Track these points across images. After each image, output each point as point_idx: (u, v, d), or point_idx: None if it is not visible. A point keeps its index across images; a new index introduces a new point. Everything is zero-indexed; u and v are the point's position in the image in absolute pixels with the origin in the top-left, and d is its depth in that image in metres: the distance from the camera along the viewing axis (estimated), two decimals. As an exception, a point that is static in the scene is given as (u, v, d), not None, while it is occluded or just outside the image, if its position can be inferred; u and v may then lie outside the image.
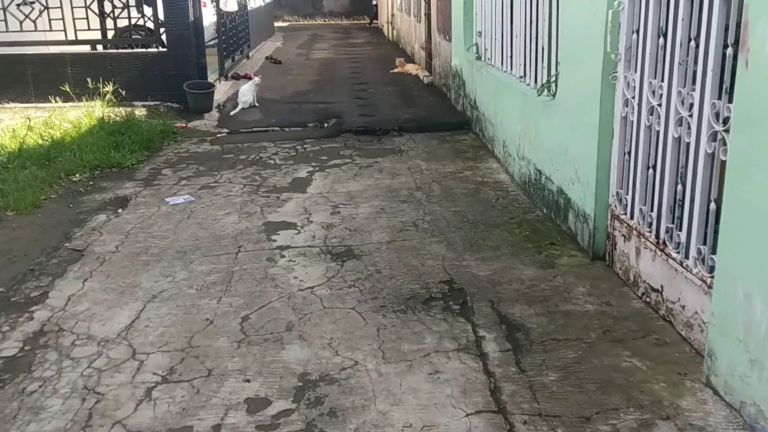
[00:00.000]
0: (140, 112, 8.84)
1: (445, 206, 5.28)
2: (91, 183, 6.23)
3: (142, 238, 4.85)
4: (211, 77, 10.61)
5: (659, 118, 3.37)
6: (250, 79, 11.17)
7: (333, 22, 27.03)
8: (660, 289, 3.39)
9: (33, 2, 8.98)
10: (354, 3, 27.52)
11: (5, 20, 8.94)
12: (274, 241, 4.73)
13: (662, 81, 3.34)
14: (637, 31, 3.59)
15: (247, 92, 9.25)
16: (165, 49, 9.17)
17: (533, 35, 5.45)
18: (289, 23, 26.56)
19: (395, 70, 12.44)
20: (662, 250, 3.36)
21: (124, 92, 8.74)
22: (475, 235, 4.67)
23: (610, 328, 3.37)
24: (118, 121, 7.93)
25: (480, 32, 7.42)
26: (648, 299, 3.53)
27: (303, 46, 17.72)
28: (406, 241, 4.63)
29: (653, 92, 3.42)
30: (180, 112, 9.10)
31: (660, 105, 3.35)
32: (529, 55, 5.55)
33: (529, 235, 4.65)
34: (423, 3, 11.62)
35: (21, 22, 8.89)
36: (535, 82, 5.37)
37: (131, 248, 4.66)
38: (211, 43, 11.28)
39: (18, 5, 8.88)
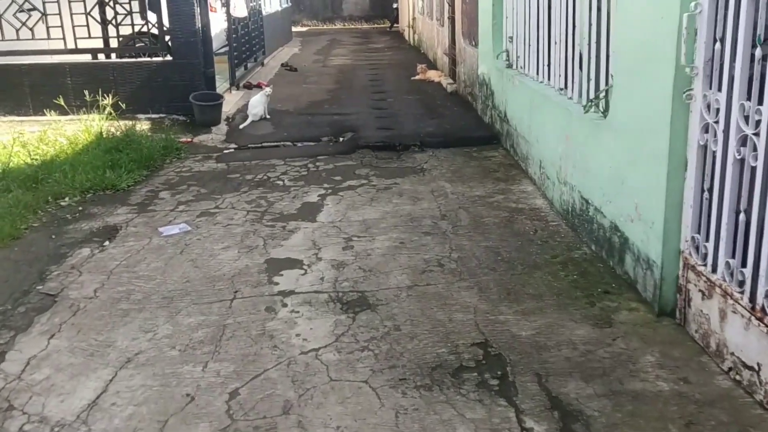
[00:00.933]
0: (143, 125, 8.25)
1: (475, 240, 4.58)
2: (80, 208, 5.62)
3: (126, 279, 4.21)
4: (221, 87, 10.01)
5: (755, 151, 2.64)
6: (262, 88, 10.58)
7: (353, 26, 26.43)
8: (756, 368, 2.66)
9: (31, 9, 8.43)
10: (374, 6, 26.90)
11: (1, 28, 8.40)
12: (276, 284, 4.05)
13: (759, 104, 2.61)
14: (721, 40, 2.86)
15: (257, 104, 8.62)
16: (170, 58, 8.57)
17: (576, 41, 4.73)
18: (308, 28, 26.01)
19: (417, 77, 11.75)
20: (760, 319, 2.62)
21: (126, 104, 8.16)
22: (512, 279, 3.95)
23: (694, 419, 2.64)
24: (117, 137, 7.33)
25: (511, 38, 6.70)
26: (738, 377, 2.79)
27: (321, 51, 17.11)
28: (430, 285, 3.93)
29: (746, 117, 2.69)
30: (186, 125, 8.50)
31: (757, 134, 2.62)
32: (572, 65, 4.82)
33: (577, 279, 3.92)
34: (447, 6, 10.92)
35: (17, 30, 8.34)
36: (580, 96, 4.65)
37: (111, 293, 4.02)
38: (222, 50, 10.69)
39: (14, 13, 8.33)
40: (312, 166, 6.72)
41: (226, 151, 7.51)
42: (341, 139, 7.80)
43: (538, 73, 5.77)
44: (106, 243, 4.83)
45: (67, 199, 5.83)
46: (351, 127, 8.16)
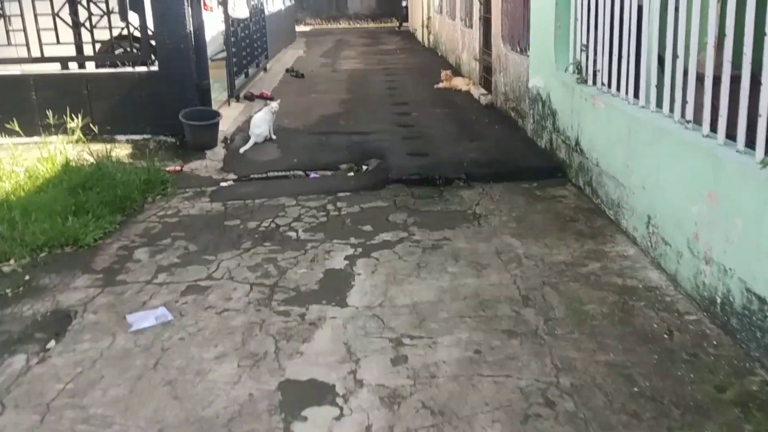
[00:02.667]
0: (122, 150, 6.82)
1: (587, 349, 3.13)
2: (26, 278, 4.19)
3: (68, 424, 2.77)
4: (218, 99, 8.57)
5: None
6: (266, 99, 9.14)
7: (359, 26, 24.99)
8: None
9: (-12, 10, 6.99)
10: (381, 5, 25.46)
11: (-50, 33, 6.96)
12: (298, 438, 2.62)
13: None
14: None
15: (260, 122, 7.17)
16: (156, 68, 7.13)
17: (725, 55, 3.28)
18: (312, 27, 24.58)
19: (440, 85, 10.32)
20: None
21: (102, 124, 6.73)
22: (671, 438, 2.51)
23: None
24: (87, 170, 5.88)
25: (585, 46, 5.26)
26: None
27: (328, 54, 15.65)
28: (543, 449, 2.49)
29: None
30: (175, 148, 7.05)
31: None
32: (719, 88, 3.37)
33: (778, 441, 2.48)
34: (478, 4, 9.46)
35: (-30, 36, 6.90)
36: (735, 137, 3.20)
37: (42, 455, 2.58)
38: (220, 56, 9.24)
39: (-34, 14, 6.89)
40: (332, 208, 5.28)
41: (223, 184, 6.07)
42: (364, 167, 6.36)
43: (637, 96, 4.33)
44: (51, 344, 3.39)
45: (12, 262, 4.40)
46: (374, 151, 6.72)
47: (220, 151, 7.02)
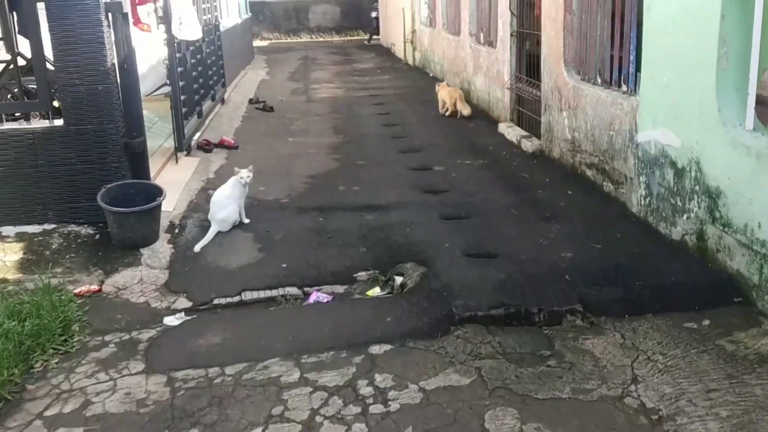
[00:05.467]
0: (8, 253, 4.29)
1: None
2: None
3: None
4: (160, 156, 6.06)
5: None
6: (229, 148, 6.66)
7: (322, 39, 22.57)
8: None
9: None
10: (347, 16, 23.11)
11: None
12: None
13: None
14: None
15: (225, 202, 4.70)
16: (60, 122, 4.61)
17: None
18: (270, 42, 22.05)
19: (446, 113, 8.09)
20: None
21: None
22: None
23: None
24: None
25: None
26: None
27: (296, 75, 13.17)
28: None
29: None
30: (92, 247, 4.53)
31: None
32: None
33: None
34: (508, 15, 7.15)
35: None
36: None
37: None
38: (162, 91, 6.75)
39: None
40: (368, 394, 2.92)
41: (169, 322, 3.64)
42: (398, 280, 3.96)
43: None
44: None
45: None
46: (407, 246, 4.33)
47: (163, 249, 4.52)
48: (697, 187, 3.77)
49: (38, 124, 4.68)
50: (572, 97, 5.48)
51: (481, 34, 8.61)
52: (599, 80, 5.14)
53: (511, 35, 7.12)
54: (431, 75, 12.06)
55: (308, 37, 23.01)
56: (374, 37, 20.20)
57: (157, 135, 7.03)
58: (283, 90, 11.15)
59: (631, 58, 4.59)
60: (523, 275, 3.76)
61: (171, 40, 6.03)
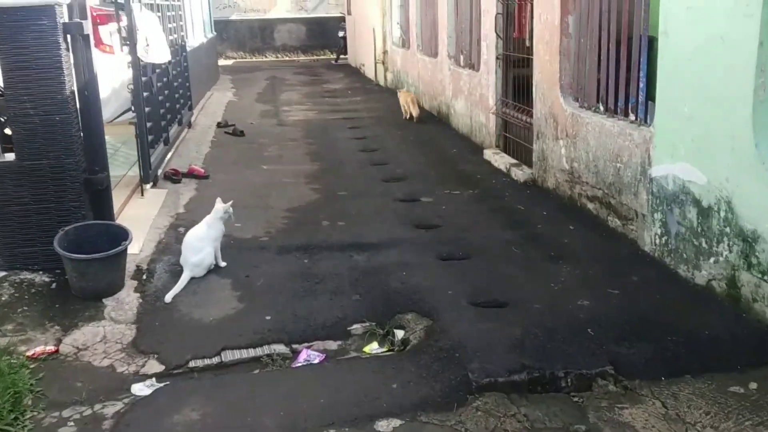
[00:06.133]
0: (-55, 313, 3.75)
1: None
2: None
3: None
4: (124, 186, 5.56)
5: None
6: (199, 177, 6.18)
7: (288, 59, 22.14)
8: None
9: None
10: (312, 36, 22.71)
11: None
12: None
13: None
14: None
15: (200, 243, 4.22)
16: (10, 157, 4.08)
17: None
18: (235, 60, 21.55)
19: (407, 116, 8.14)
20: None
21: None
22: None
23: None
24: None
25: None
26: None
27: (265, 97, 12.70)
28: None
29: None
30: (48, 297, 4.00)
31: None
32: None
33: None
34: (493, 38, 6.84)
35: None
36: None
37: None
38: (125, 117, 6.25)
39: None
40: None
41: (138, 391, 3.15)
42: (398, 334, 3.52)
43: None
44: None
45: None
46: (405, 293, 3.91)
47: (129, 299, 4.00)
48: (727, 229, 3.44)
49: (-15, 158, 4.14)
50: (570, 125, 5.15)
51: (461, 56, 8.29)
52: (602, 108, 4.82)
53: (497, 58, 6.80)
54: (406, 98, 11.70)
55: (274, 56, 22.56)
56: (342, 56, 19.86)
57: (121, 164, 6.51)
58: (252, 112, 10.67)
59: (641, 85, 4.28)
60: (540, 329, 3.36)
61: (136, 63, 5.53)
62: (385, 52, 13.25)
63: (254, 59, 22.14)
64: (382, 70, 13.44)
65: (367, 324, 3.65)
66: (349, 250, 4.62)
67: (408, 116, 9.35)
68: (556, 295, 3.79)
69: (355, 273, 4.23)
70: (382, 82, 13.64)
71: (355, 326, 3.67)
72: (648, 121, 4.22)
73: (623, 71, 4.52)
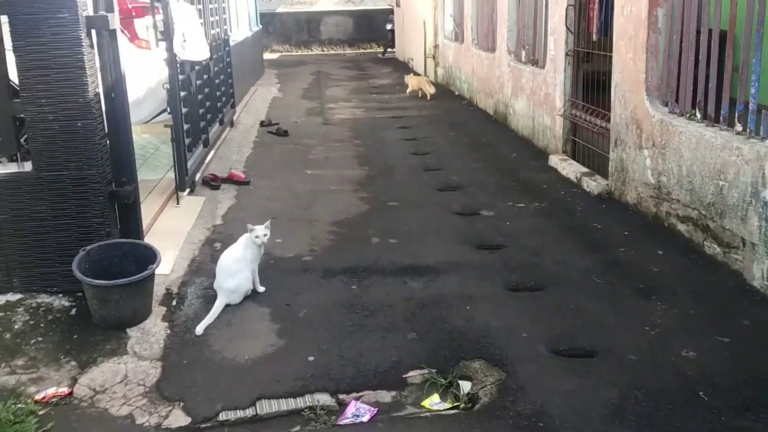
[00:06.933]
0: (-51, 345, 3.34)
1: None
2: None
3: None
4: (153, 200, 5.12)
5: None
6: (239, 183, 5.72)
7: (334, 52, 21.67)
8: None
9: None
10: (359, 28, 22.19)
11: None
12: None
13: None
14: None
15: (235, 267, 3.73)
16: (27, 167, 3.64)
17: None
18: (280, 54, 21.17)
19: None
20: None
21: None
22: None
23: None
24: None
25: None
26: None
27: (310, 93, 12.23)
28: None
29: None
30: (66, 326, 3.56)
31: None
32: None
33: None
34: (563, 32, 6.18)
35: None
36: None
37: None
38: (161, 118, 5.82)
39: None
40: None
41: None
42: (463, 388, 2.98)
43: None
44: None
45: None
46: (468, 334, 3.35)
47: (156, 328, 3.54)
48: None
49: (1, 169, 3.70)
50: (658, 134, 4.49)
51: (523, 52, 7.64)
52: (698, 115, 4.15)
53: (567, 54, 6.14)
54: (457, 94, 11.11)
55: (320, 50, 22.13)
56: (389, 50, 19.30)
57: (158, 166, 6.10)
58: (297, 110, 10.20)
59: (752, 90, 3.61)
60: (641, 391, 2.76)
61: (172, 60, 5.07)
62: (435, 46, 12.63)
63: (300, 53, 21.74)
64: (432, 65, 12.83)
65: (427, 371, 3.10)
66: (403, 274, 4.08)
67: (420, 95, 10.76)
68: (653, 342, 3.17)
69: (410, 305, 3.68)
70: (432, 78, 13.01)
71: (412, 373, 3.12)
72: (763, 133, 3.55)
73: (728, 73, 3.85)
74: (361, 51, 21.76)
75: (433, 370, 3.10)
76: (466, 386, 2.98)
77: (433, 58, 12.76)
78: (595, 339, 3.22)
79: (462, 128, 8.41)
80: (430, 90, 10.60)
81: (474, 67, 9.85)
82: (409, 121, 9.04)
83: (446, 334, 3.37)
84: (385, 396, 3.00)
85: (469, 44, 10.06)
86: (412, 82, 11.03)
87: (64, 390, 3.06)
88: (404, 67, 15.89)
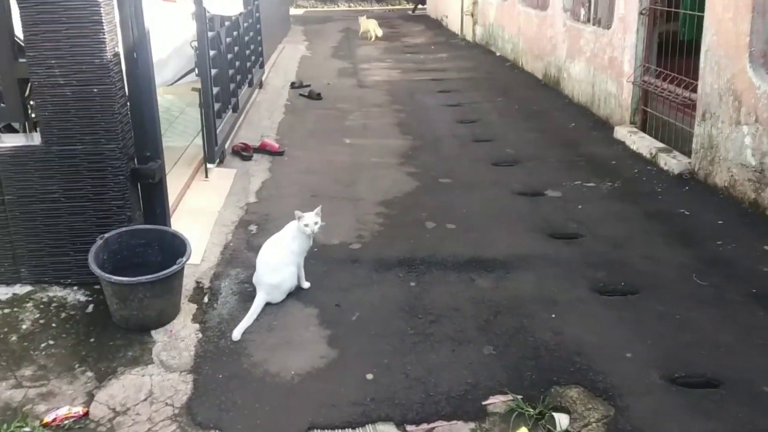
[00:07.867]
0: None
1: None
2: None
3: None
4: (179, 173, 4.58)
5: None
6: (273, 153, 5.16)
7: (361, 8, 20.80)
8: None
9: None
10: (388, -17, 21.26)
11: None
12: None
13: None
14: None
15: (278, 262, 3.18)
16: (36, 141, 3.10)
17: None
18: (306, 10, 20.40)
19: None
20: None
21: None
22: None
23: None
24: None
25: None
26: None
27: (341, 52, 11.55)
28: None
29: None
30: (84, 326, 3.06)
31: None
32: None
33: None
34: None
35: None
36: None
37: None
38: (187, 80, 5.25)
39: None
40: None
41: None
42: (560, 424, 2.43)
43: None
44: None
45: None
46: (558, 351, 2.81)
47: (186, 331, 3.03)
48: None
49: (6, 141, 3.17)
50: (764, 108, 3.84)
51: (582, 10, 6.92)
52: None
53: (641, 13, 5.44)
54: (498, 54, 10.37)
55: (346, 5, 21.29)
56: (420, 6, 18.44)
57: (182, 132, 5.54)
58: (328, 70, 9.55)
59: None
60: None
61: (201, 15, 4.47)
62: (474, 3, 11.83)
63: (326, 8, 20.94)
64: (470, 23, 12.04)
65: (511, 398, 2.57)
66: (468, 269, 3.52)
67: (372, 38, 12.54)
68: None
69: (481, 310, 3.13)
70: (469, 37, 12.26)
71: (493, 399, 2.60)
72: None
73: None
74: (389, 7, 20.90)
75: (519, 397, 2.56)
76: (563, 421, 2.45)
77: (472, 15, 11.97)
78: (715, 362, 2.66)
79: (509, 93, 7.75)
80: (378, 33, 12.60)
81: (521, 26, 9.10)
82: (450, 85, 8.38)
83: (530, 349, 2.82)
84: (463, 428, 2.48)
85: (515, 1, 9.30)
86: (363, 24, 12.92)
87: (79, 411, 2.58)
88: (437, 26, 15.08)
